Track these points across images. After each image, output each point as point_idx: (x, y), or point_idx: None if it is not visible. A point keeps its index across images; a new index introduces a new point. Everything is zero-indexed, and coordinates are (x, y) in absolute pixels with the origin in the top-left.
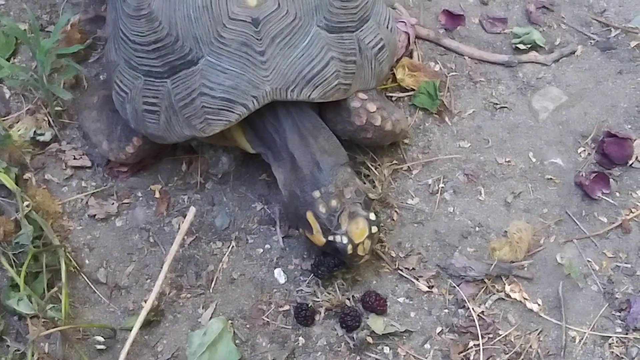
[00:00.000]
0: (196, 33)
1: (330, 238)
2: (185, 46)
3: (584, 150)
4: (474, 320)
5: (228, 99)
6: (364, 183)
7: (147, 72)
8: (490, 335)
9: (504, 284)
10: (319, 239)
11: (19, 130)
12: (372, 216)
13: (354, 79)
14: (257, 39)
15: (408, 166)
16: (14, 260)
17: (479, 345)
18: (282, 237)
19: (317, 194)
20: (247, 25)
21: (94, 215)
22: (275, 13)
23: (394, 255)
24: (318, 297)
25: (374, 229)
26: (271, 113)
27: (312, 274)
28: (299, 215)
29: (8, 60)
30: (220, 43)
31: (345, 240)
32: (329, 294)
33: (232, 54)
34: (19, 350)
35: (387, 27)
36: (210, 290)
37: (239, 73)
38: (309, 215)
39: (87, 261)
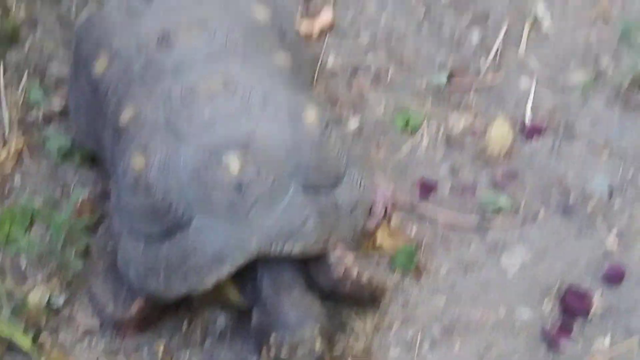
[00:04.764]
0: (188, 199)
1: None
2: (179, 211)
3: (549, 303)
4: None
5: (218, 256)
6: (348, 338)
7: (147, 237)
8: None
9: None
10: None
11: (34, 297)
12: None
13: (332, 234)
14: (242, 201)
15: (388, 321)
16: None
17: None
18: None
19: (272, 340)
20: (231, 190)
21: None
22: (256, 177)
23: None
24: None
25: None
26: (253, 267)
27: None
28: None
29: (24, 233)
30: (209, 207)
31: None
32: None
33: (220, 216)
34: None
35: (361, 187)
36: None
37: (227, 232)
38: (262, 353)
39: None
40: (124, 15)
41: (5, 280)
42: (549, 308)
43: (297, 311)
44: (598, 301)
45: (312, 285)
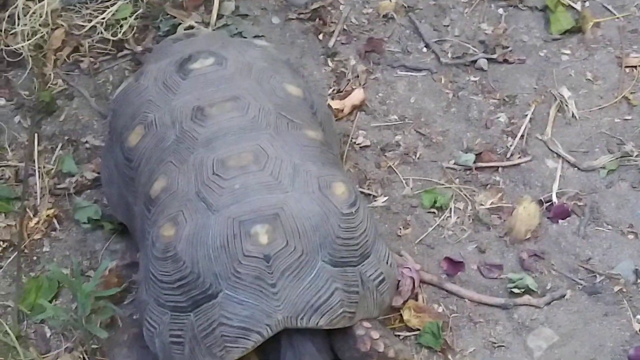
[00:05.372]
0: (215, 270)
1: None
2: (206, 282)
3: None
4: None
5: (245, 328)
6: None
7: (173, 307)
8: None
9: None
10: None
11: None
12: None
13: (358, 308)
14: (269, 273)
15: None
16: None
17: None
18: None
19: None
20: (259, 261)
21: None
22: (284, 249)
23: None
24: None
25: None
26: (277, 338)
27: None
28: None
29: (50, 302)
30: (237, 278)
31: None
32: None
33: (247, 287)
34: None
35: (387, 263)
36: None
37: (254, 304)
38: None
39: None
40: (159, 88)
41: (29, 350)
42: None
43: None
44: None
45: None
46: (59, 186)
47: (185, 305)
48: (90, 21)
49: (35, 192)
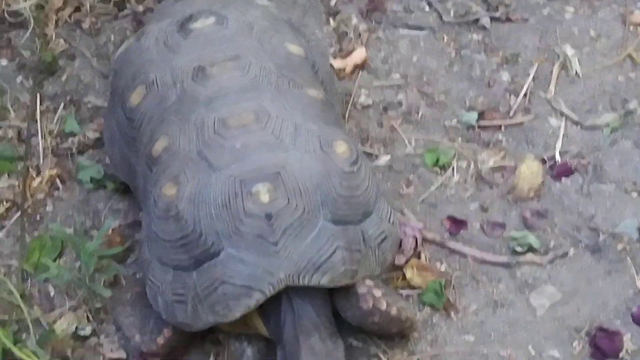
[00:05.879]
0: (217, 228)
1: None
2: (208, 240)
3: (579, 344)
4: None
5: (247, 286)
6: None
7: (176, 266)
8: None
9: None
10: None
11: (61, 326)
12: None
13: (360, 266)
14: (271, 231)
15: (417, 358)
16: None
17: None
18: None
19: None
20: (261, 219)
21: None
22: (285, 208)
23: None
24: None
25: None
26: (277, 305)
27: None
28: None
29: (54, 261)
30: (238, 236)
31: None
32: None
33: (249, 245)
34: None
35: (389, 221)
36: None
37: (256, 262)
38: None
39: None
40: (161, 48)
41: (33, 308)
42: (579, 349)
43: (310, 358)
44: (628, 342)
45: (337, 324)
46: (61, 146)
47: (187, 264)
48: None
49: (38, 152)
